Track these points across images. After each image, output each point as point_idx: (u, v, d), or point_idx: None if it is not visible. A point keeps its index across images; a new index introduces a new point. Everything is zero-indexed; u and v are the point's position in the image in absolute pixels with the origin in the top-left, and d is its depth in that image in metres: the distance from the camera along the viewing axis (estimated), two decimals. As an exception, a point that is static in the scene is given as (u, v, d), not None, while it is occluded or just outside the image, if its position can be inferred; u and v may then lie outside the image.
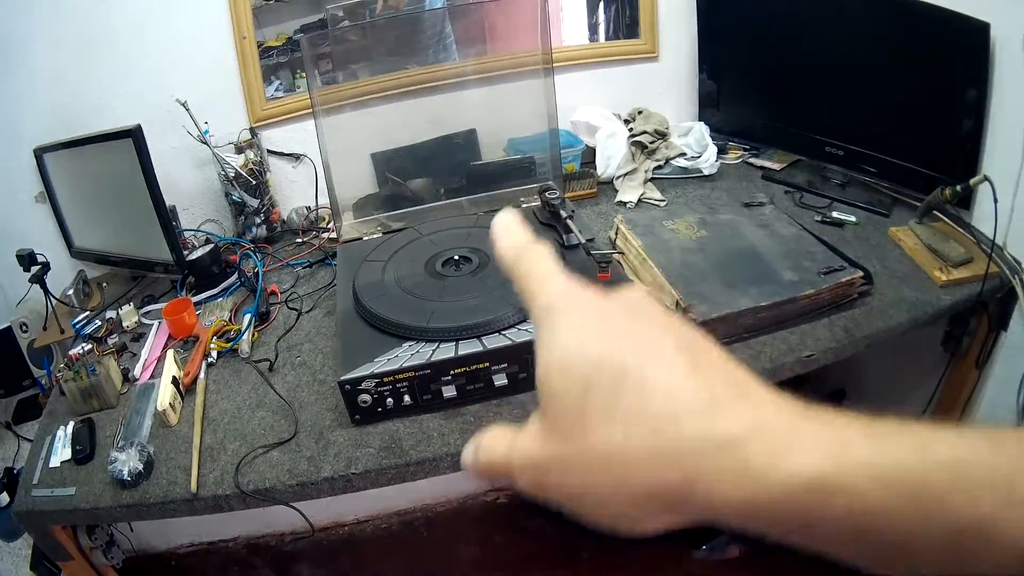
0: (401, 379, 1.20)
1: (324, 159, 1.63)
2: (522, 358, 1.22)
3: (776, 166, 1.96)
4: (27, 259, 1.61)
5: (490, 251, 1.40)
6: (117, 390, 1.45)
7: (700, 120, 2.04)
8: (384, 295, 1.36)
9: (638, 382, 0.33)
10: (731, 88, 2.02)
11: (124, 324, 1.63)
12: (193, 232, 1.87)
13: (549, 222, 1.54)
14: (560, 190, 1.58)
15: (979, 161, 1.56)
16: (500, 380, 1.22)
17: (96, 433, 1.36)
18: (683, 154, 1.96)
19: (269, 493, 1.18)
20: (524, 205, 1.68)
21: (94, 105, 1.75)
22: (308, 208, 1.90)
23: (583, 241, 1.39)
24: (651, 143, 1.92)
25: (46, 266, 1.65)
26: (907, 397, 1.88)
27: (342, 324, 1.35)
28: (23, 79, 1.72)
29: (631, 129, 1.95)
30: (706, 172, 1.92)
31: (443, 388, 1.22)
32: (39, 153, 1.73)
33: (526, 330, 1.22)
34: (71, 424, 1.38)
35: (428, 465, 1.19)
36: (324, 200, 1.83)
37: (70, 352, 1.52)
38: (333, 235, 1.76)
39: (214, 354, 1.48)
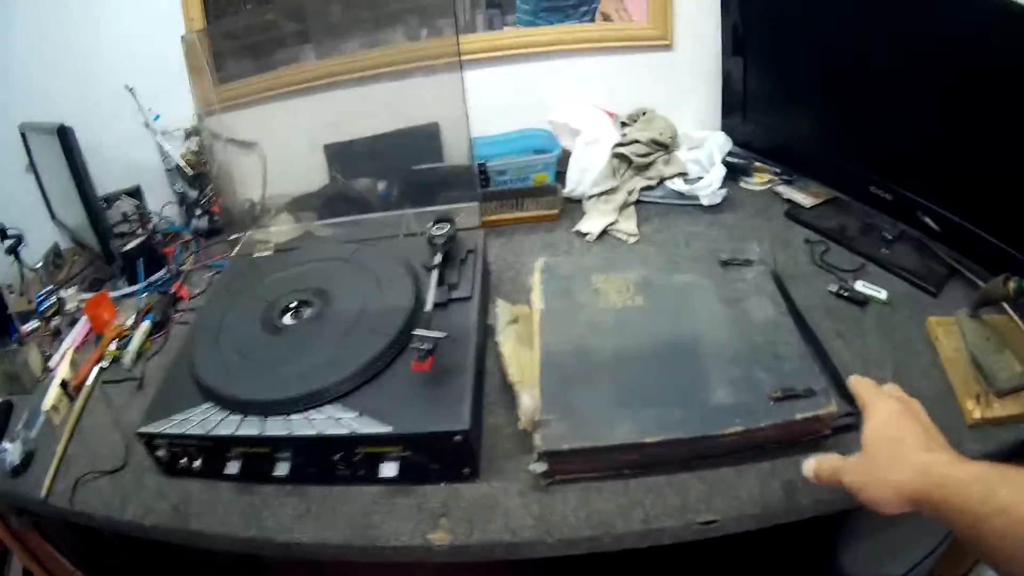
0: (188, 444, 1.09)
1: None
2: (308, 450, 1.05)
3: (807, 201, 1.53)
4: (1, 233, 1.70)
5: (338, 290, 1.25)
6: (35, 377, 1.46)
7: (724, 130, 1.63)
8: (211, 342, 1.23)
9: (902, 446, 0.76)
10: (763, 91, 1.57)
11: (67, 307, 1.63)
12: (157, 215, 1.84)
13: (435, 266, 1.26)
14: (452, 222, 1.31)
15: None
16: (281, 470, 1.06)
17: (11, 416, 1.40)
18: (684, 174, 1.58)
19: (91, 519, 1.16)
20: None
21: (74, 82, 1.76)
22: (251, 201, 1.74)
23: (427, 308, 1.13)
24: (641, 156, 1.57)
25: (19, 239, 1.72)
26: (899, 552, 1.51)
27: (174, 363, 1.25)
28: (11, 49, 1.75)
29: (624, 135, 1.61)
30: (704, 202, 1.54)
31: (227, 463, 1.08)
32: (23, 131, 1.77)
33: (313, 420, 1.05)
34: (-3, 403, 1.44)
35: (205, 539, 1.08)
36: (271, 192, 1.71)
37: (22, 328, 1.60)
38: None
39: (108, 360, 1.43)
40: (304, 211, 1.63)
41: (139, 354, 1.44)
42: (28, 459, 1.26)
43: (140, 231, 1.75)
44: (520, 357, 1.15)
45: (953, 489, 0.67)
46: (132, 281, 1.65)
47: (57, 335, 1.57)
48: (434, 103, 1.49)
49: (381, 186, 1.63)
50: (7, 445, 1.26)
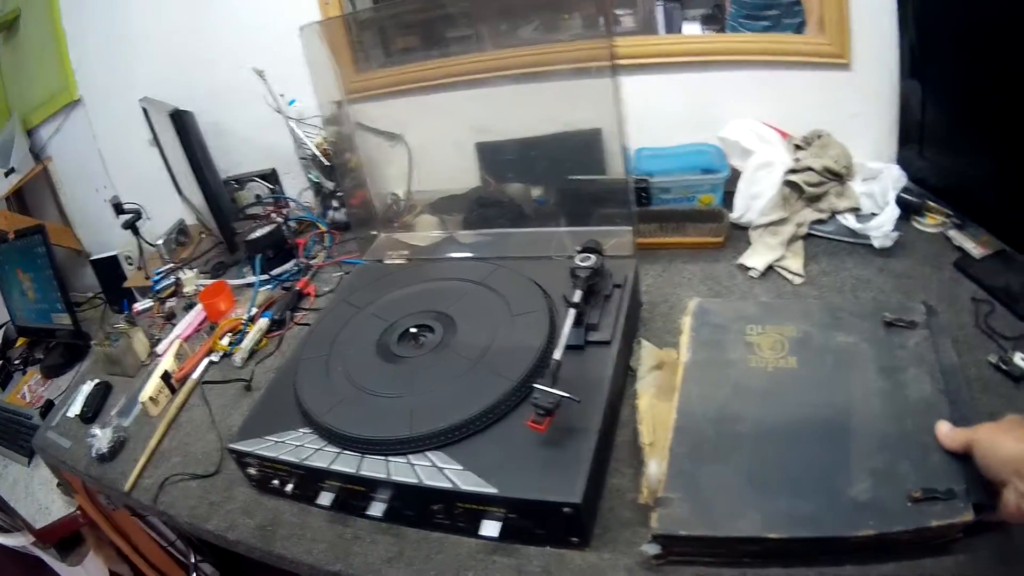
0: (281, 469, 1.02)
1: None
2: (405, 496, 0.94)
3: (977, 251, 1.30)
4: (116, 208, 1.68)
5: (465, 319, 1.15)
6: (139, 362, 1.45)
7: (899, 162, 1.42)
8: (319, 360, 1.14)
9: None
10: (940, 123, 1.33)
11: (184, 289, 1.59)
12: (294, 200, 1.78)
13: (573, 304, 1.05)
14: (600, 253, 1.13)
15: None
16: (375, 510, 0.96)
17: (108, 399, 1.42)
18: (857, 209, 1.37)
19: (172, 520, 1.14)
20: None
21: (202, 62, 1.74)
22: (395, 196, 1.61)
23: (556, 359, 0.95)
24: (814, 185, 1.36)
25: (137, 214, 1.71)
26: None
27: (281, 373, 1.18)
28: (135, 28, 1.75)
29: (797, 160, 1.39)
30: (876, 244, 1.33)
31: (321, 493, 0.99)
32: (144, 106, 1.75)
33: (415, 466, 0.94)
34: (93, 383, 1.44)
35: (288, 563, 1.01)
36: (417, 187, 1.60)
37: (134, 306, 1.56)
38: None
39: (218, 355, 1.38)
40: (449, 214, 1.50)
41: (251, 353, 1.37)
42: (117, 448, 1.26)
43: (275, 215, 1.69)
44: (657, 414, 1.00)
45: None
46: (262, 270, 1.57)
47: (170, 318, 1.53)
48: (592, 108, 1.33)
49: (536, 193, 1.49)
50: (97, 431, 1.26)
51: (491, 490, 0.88)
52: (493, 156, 1.54)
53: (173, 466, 1.18)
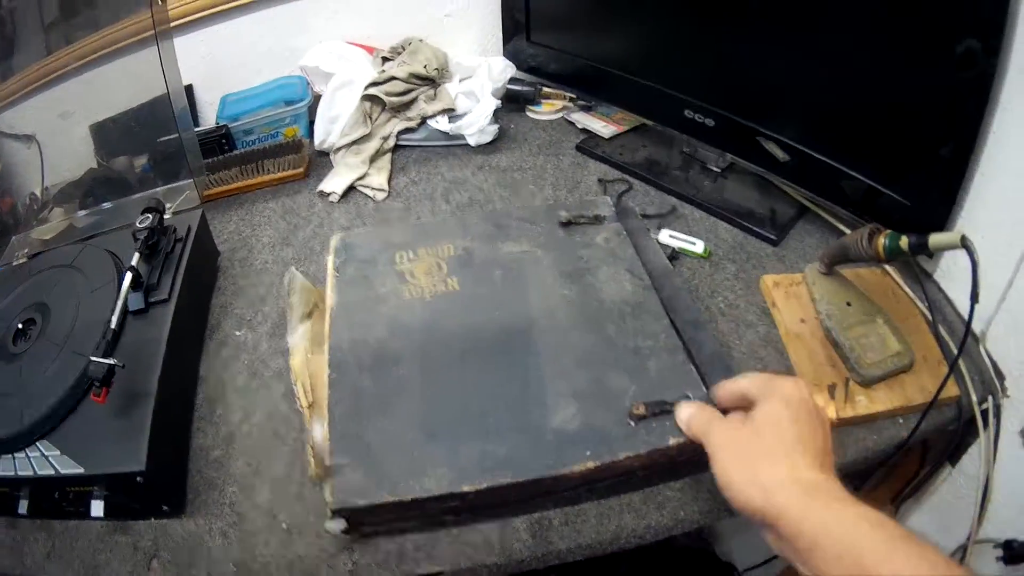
0: None
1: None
2: (30, 490, 0.98)
3: (607, 131, 1.35)
4: None
5: (57, 304, 1.12)
6: None
7: (507, 55, 1.47)
8: None
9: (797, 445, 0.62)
10: (548, 5, 1.36)
11: None
12: None
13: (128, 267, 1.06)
14: (158, 211, 1.15)
15: (963, 190, 0.92)
16: (22, 508, 0.99)
17: None
18: (451, 110, 1.42)
19: None
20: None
21: None
22: (32, 195, 1.60)
23: (110, 327, 0.99)
24: (398, 95, 1.42)
25: None
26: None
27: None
28: None
29: (382, 72, 1.44)
30: (471, 141, 1.38)
31: None
32: None
33: (30, 456, 0.97)
34: None
35: None
36: (53, 181, 1.58)
37: None
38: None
39: None
40: (71, 200, 1.54)
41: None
42: None
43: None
44: (314, 371, 0.94)
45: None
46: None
47: None
48: (170, 72, 1.35)
49: (139, 162, 1.52)
50: None
51: (79, 470, 0.94)
52: (103, 135, 1.57)
53: None
